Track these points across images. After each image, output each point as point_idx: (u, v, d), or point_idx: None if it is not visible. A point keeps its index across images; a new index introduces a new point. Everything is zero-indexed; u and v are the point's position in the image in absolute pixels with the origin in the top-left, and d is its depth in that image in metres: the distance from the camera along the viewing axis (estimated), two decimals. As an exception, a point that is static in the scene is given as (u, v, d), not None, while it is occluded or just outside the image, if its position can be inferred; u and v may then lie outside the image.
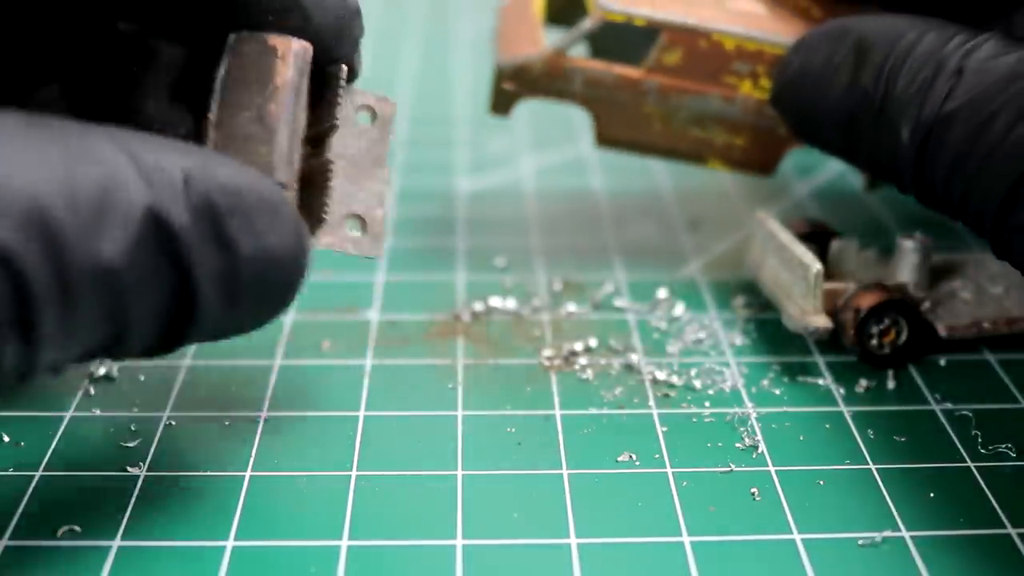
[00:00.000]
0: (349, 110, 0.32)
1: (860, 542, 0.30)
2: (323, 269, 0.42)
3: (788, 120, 0.39)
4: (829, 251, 0.41)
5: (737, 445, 0.34)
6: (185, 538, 0.29)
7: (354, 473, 0.32)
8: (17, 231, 0.22)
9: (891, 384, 0.37)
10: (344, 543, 0.29)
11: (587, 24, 0.41)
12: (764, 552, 0.29)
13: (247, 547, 0.29)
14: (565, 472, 0.32)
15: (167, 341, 0.26)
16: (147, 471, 0.32)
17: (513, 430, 0.34)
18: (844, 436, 0.34)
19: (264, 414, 0.35)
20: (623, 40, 0.44)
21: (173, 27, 0.32)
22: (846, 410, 0.35)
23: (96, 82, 0.32)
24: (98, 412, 0.34)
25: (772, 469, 0.32)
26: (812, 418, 0.35)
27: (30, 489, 0.31)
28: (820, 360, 0.38)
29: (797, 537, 0.30)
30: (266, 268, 0.26)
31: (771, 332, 0.40)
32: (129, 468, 0.32)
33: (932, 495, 0.32)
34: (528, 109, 0.49)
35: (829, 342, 0.38)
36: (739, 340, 0.39)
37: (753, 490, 0.32)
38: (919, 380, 0.37)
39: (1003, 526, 0.30)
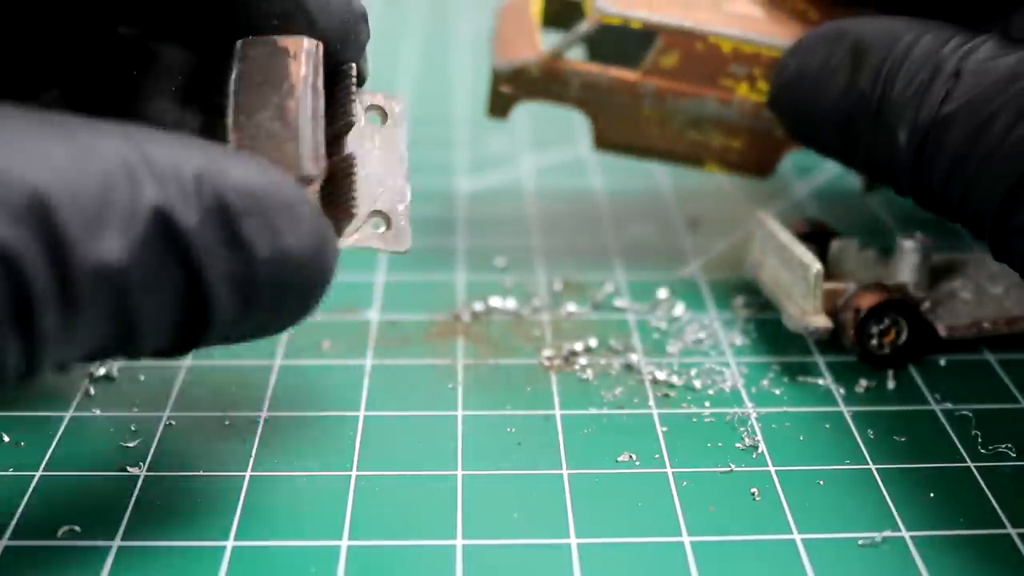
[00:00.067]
0: (359, 111, 0.32)
1: (860, 542, 0.30)
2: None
3: (785, 122, 0.39)
4: (829, 251, 0.41)
5: (737, 445, 0.34)
6: (185, 538, 0.29)
7: (354, 473, 0.32)
8: (17, 227, 0.21)
9: (891, 384, 0.37)
10: (344, 543, 0.29)
11: (584, 27, 0.41)
12: (764, 552, 0.29)
13: (247, 547, 0.29)
14: (565, 472, 0.32)
15: (182, 343, 0.26)
16: (147, 471, 0.32)
17: (513, 430, 0.34)
18: (844, 436, 0.34)
19: (264, 414, 0.35)
20: (620, 43, 0.44)
21: (176, 32, 0.31)
22: (846, 410, 0.35)
23: (97, 86, 0.32)
24: (98, 412, 0.34)
25: (772, 469, 0.32)
26: (812, 418, 0.35)
27: (30, 489, 0.31)
28: (820, 360, 0.38)
29: (797, 537, 0.30)
30: (284, 270, 0.26)
31: (771, 332, 0.40)
32: (129, 468, 0.32)
33: (932, 495, 0.32)
34: (528, 109, 0.49)
35: (829, 342, 0.38)
36: (739, 340, 0.39)
37: (753, 490, 0.32)
38: (919, 380, 0.37)
39: (1003, 526, 0.30)
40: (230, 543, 0.29)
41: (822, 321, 0.37)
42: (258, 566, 0.28)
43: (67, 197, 0.22)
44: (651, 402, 0.36)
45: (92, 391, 0.35)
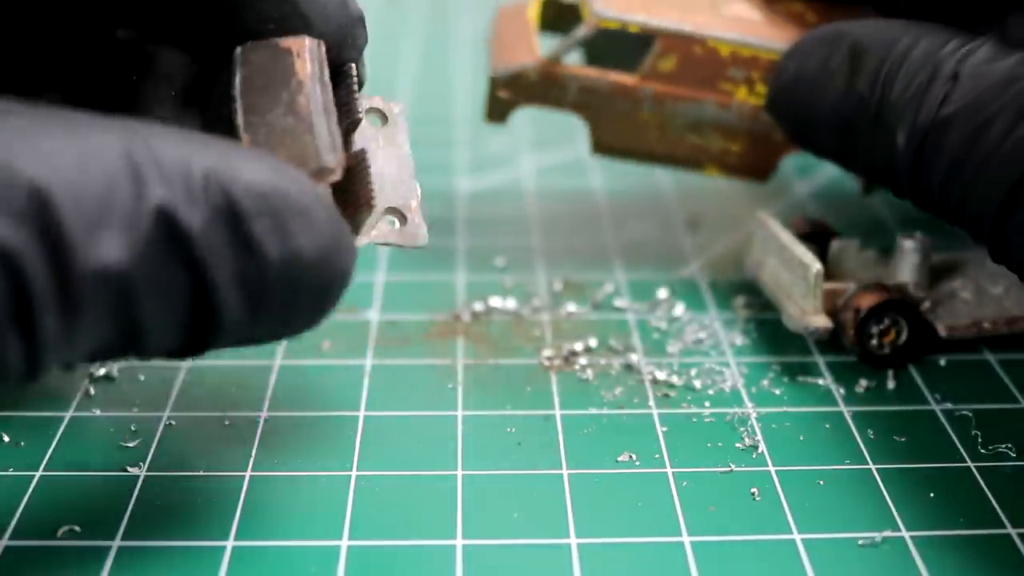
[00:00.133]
0: (363, 111, 0.32)
1: (860, 542, 0.30)
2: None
3: (784, 125, 0.39)
4: (829, 251, 0.41)
5: (737, 445, 0.34)
6: (185, 538, 0.29)
7: (354, 473, 0.32)
8: (17, 227, 0.21)
9: (891, 384, 0.37)
10: (344, 543, 0.29)
11: (582, 31, 0.41)
12: (764, 552, 0.29)
13: (247, 547, 0.29)
14: (565, 472, 0.32)
15: (191, 345, 0.25)
16: (147, 471, 0.32)
17: (513, 430, 0.34)
18: (844, 436, 0.34)
19: (264, 414, 0.35)
20: (618, 47, 0.44)
21: (173, 35, 0.31)
22: (846, 410, 0.35)
23: (97, 89, 0.31)
24: (98, 412, 0.34)
25: (772, 469, 0.32)
26: (812, 418, 0.35)
27: (30, 489, 0.31)
28: (820, 360, 0.38)
29: (797, 537, 0.30)
30: (296, 273, 0.25)
31: (771, 332, 0.40)
32: (129, 468, 0.32)
33: (932, 495, 0.32)
34: (528, 110, 0.49)
35: (829, 342, 0.38)
36: (739, 340, 0.39)
37: (753, 490, 0.32)
38: (919, 380, 0.37)
39: (1003, 526, 0.30)
40: (230, 543, 0.29)
41: (822, 321, 0.37)
42: (258, 566, 0.28)
43: (69, 195, 0.22)
44: (651, 402, 0.36)
45: (92, 391, 0.35)
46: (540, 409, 0.35)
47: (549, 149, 0.56)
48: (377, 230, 0.30)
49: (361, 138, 0.31)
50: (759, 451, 0.33)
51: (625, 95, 0.42)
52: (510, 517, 0.30)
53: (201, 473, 0.32)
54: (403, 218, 0.30)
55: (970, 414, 0.35)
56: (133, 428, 0.34)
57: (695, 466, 0.33)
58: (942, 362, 0.38)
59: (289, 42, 0.29)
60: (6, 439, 0.33)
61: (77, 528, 0.30)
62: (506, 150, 0.55)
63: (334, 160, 0.27)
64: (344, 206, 0.29)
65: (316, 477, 0.32)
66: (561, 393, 0.36)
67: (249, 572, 0.28)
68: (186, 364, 0.37)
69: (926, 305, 0.38)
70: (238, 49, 0.29)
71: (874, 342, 0.37)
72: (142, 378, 0.36)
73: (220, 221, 0.24)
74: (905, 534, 0.30)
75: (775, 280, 0.40)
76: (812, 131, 0.37)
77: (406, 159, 0.31)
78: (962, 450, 0.33)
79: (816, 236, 0.41)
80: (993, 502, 0.31)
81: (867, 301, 0.37)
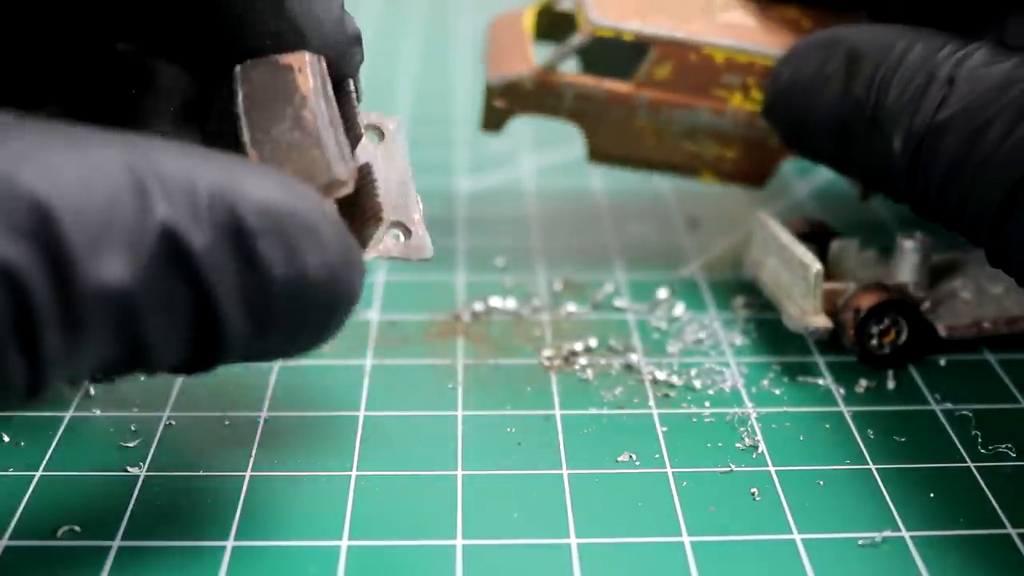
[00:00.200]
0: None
1: (860, 542, 0.30)
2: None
3: (780, 131, 0.39)
4: (829, 251, 0.41)
5: (737, 445, 0.34)
6: (185, 538, 0.29)
7: (354, 473, 0.32)
8: (19, 243, 0.21)
9: (891, 384, 0.37)
10: (344, 543, 0.29)
11: (577, 39, 0.42)
12: (764, 552, 0.29)
13: (247, 547, 0.29)
14: (565, 472, 0.32)
15: (197, 362, 0.25)
16: (147, 471, 0.32)
17: (513, 430, 0.34)
18: (844, 436, 0.34)
19: (264, 414, 0.35)
20: (613, 55, 0.44)
21: (170, 48, 0.31)
22: (846, 410, 0.35)
23: (97, 102, 0.31)
24: (98, 412, 0.34)
25: (772, 469, 0.32)
26: (812, 418, 0.35)
27: (30, 489, 0.31)
28: (820, 360, 0.38)
29: (797, 537, 0.30)
30: (303, 291, 0.24)
31: (771, 332, 0.40)
32: (129, 468, 0.32)
33: (932, 495, 0.32)
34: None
35: (829, 342, 0.38)
36: (739, 340, 0.39)
37: (753, 490, 0.32)
38: (919, 380, 0.37)
39: (1003, 526, 0.30)
40: (230, 543, 0.29)
41: (822, 321, 0.37)
42: (258, 566, 0.28)
43: (71, 211, 0.21)
44: (651, 402, 0.36)
45: (92, 391, 0.35)
46: (540, 409, 0.35)
47: (549, 149, 0.56)
48: (383, 244, 0.30)
49: (363, 154, 0.31)
50: (759, 451, 0.33)
51: (621, 103, 0.42)
52: (510, 517, 0.30)
53: (201, 473, 0.32)
54: (408, 232, 0.30)
55: (970, 414, 0.35)
56: (133, 428, 0.34)
57: (695, 466, 0.33)
58: (942, 362, 0.38)
59: (289, 58, 0.29)
60: (6, 439, 0.33)
61: (77, 528, 0.30)
62: (506, 150, 0.55)
63: (345, 171, 0.27)
64: (350, 220, 0.29)
65: (316, 477, 0.32)
66: (561, 393, 0.36)
67: (249, 572, 0.28)
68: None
69: (926, 305, 0.38)
70: (237, 67, 0.29)
71: (874, 342, 0.37)
72: (142, 378, 0.36)
73: (225, 239, 0.23)
74: (905, 534, 0.30)
75: (775, 280, 0.40)
76: (808, 136, 0.37)
77: (406, 173, 0.32)
78: (962, 450, 0.33)
79: (816, 236, 0.41)
80: (993, 502, 0.31)
81: (867, 301, 0.37)
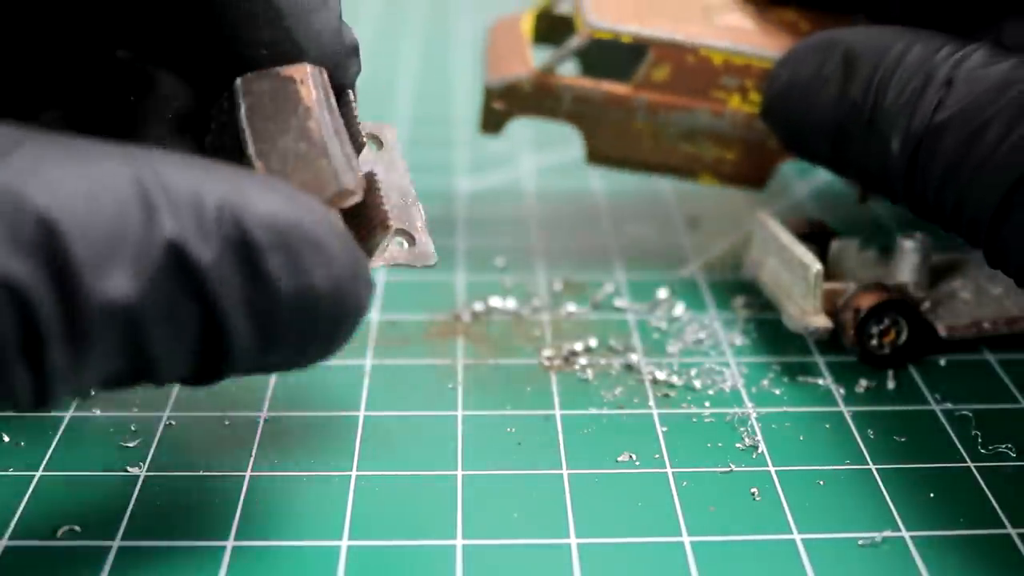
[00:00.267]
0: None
1: (860, 542, 0.30)
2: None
3: (777, 133, 0.39)
4: (829, 251, 0.41)
5: (737, 445, 0.34)
6: (185, 538, 0.29)
7: (354, 473, 0.32)
8: (26, 259, 0.21)
9: (891, 384, 0.37)
10: (344, 543, 0.29)
11: (575, 42, 0.42)
12: (764, 552, 0.29)
13: (247, 547, 0.29)
14: (565, 472, 0.32)
15: (204, 374, 0.25)
16: (147, 471, 0.32)
17: (513, 430, 0.34)
18: (844, 436, 0.34)
19: (264, 414, 0.35)
20: (612, 57, 0.44)
21: (168, 56, 0.31)
22: (846, 410, 0.35)
23: (97, 109, 0.31)
24: (98, 412, 0.34)
25: (772, 469, 0.32)
26: (812, 418, 0.35)
27: (30, 489, 0.31)
28: (820, 360, 0.38)
29: (797, 537, 0.30)
30: (310, 304, 0.24)
31: (771, 332, 0.40)
32: (129, 468, 0.32)
33: (932, 495, 0.32)
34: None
35: (829, 342, 0.38)
36: (739, 340, 0.39)
37: (753, 490, 0.32)
38: (919, 380, 0.37)
39: (1003, 526, 0.30)
40: (230, 543, 0.29)
41: (822, 321, 0.37)
42: (258, 566, 0.28)
43: (77, 226, 0.21)
44: (651, 402, 0.36)
45: (92, 391, 0.35)
46: (540, 409, 0.35)
47: (549, 149, 0.56)
48: (388, 252, 0.30)
49: (364, 163, 0.31)
50: (759, 451, 0.33)
51: (619, 105, 0.42)
52: (510, 517, 0.30)
53: (201, 473, 0.32)
54: (412, 239, 0.30)
55: (970, 414, 0.35)
56: (133, 428, 0.34)
57: (695, 466, 0.33)
58: (942, 362, 0.38)
59: (290, 70, 0.29)
60: (6, 439, 0.33)
61: (77, 528, 0.30)
62: (506, 150, 0.55)
63: (353, 180, 0.27)
64: (356, 230, 0.28)
65: (316, 477, 0.32)
66: (561, 393, 0.36)
67: (249, 572, 0.28)
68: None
69: (926, 305, 0.38)
70: (238, 80, 0.29)
71: (874, 342, 0.37)
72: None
73: (232, 254, 0.23)
74: (905, 534, 0.30)
75: (775, 280, 0.40)
76: (806, 138, 0.37)
77: (406, 181, 0.32)
78: (962, 450, 0.33)
79: (816, 236, 0.41)
80: (993, 502, 0.31)
81: (867, 301, 0.37)
